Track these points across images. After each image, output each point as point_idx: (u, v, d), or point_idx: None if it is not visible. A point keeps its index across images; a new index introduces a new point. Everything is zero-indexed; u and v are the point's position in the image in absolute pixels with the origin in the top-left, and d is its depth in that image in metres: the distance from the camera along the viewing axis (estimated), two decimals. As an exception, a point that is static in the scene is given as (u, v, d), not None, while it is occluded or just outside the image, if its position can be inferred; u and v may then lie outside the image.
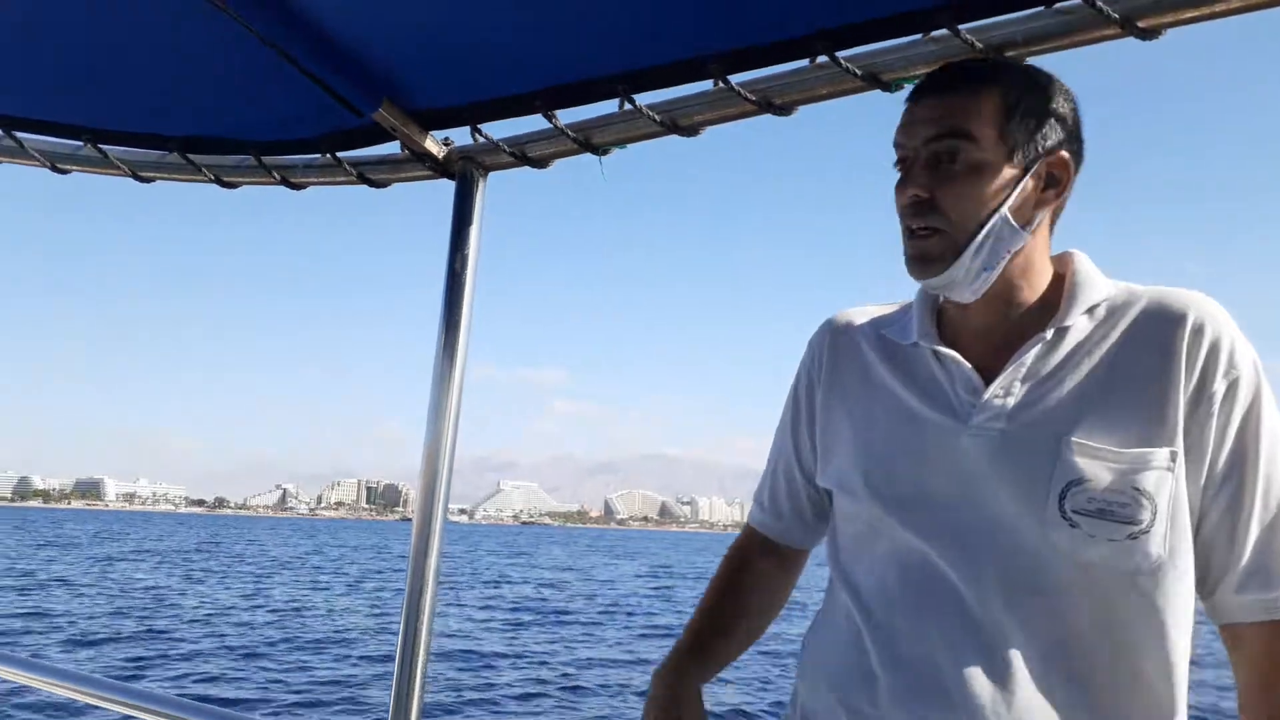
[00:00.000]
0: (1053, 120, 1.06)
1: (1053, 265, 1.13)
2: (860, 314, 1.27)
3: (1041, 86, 1.07)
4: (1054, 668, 1.02)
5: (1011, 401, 1.06)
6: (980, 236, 1.04)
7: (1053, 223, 1.12)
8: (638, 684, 13.26)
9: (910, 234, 1.08)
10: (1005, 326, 1.11)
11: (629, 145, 1.53)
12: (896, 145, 1.09)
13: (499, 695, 12.31)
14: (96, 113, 1.75)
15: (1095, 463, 1.00)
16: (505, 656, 15.51)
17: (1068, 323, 1.07)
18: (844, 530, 1.21)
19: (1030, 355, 1.07)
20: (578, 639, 18.31)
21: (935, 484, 1.08)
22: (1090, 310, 1.08)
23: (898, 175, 1.09)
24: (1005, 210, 1.04)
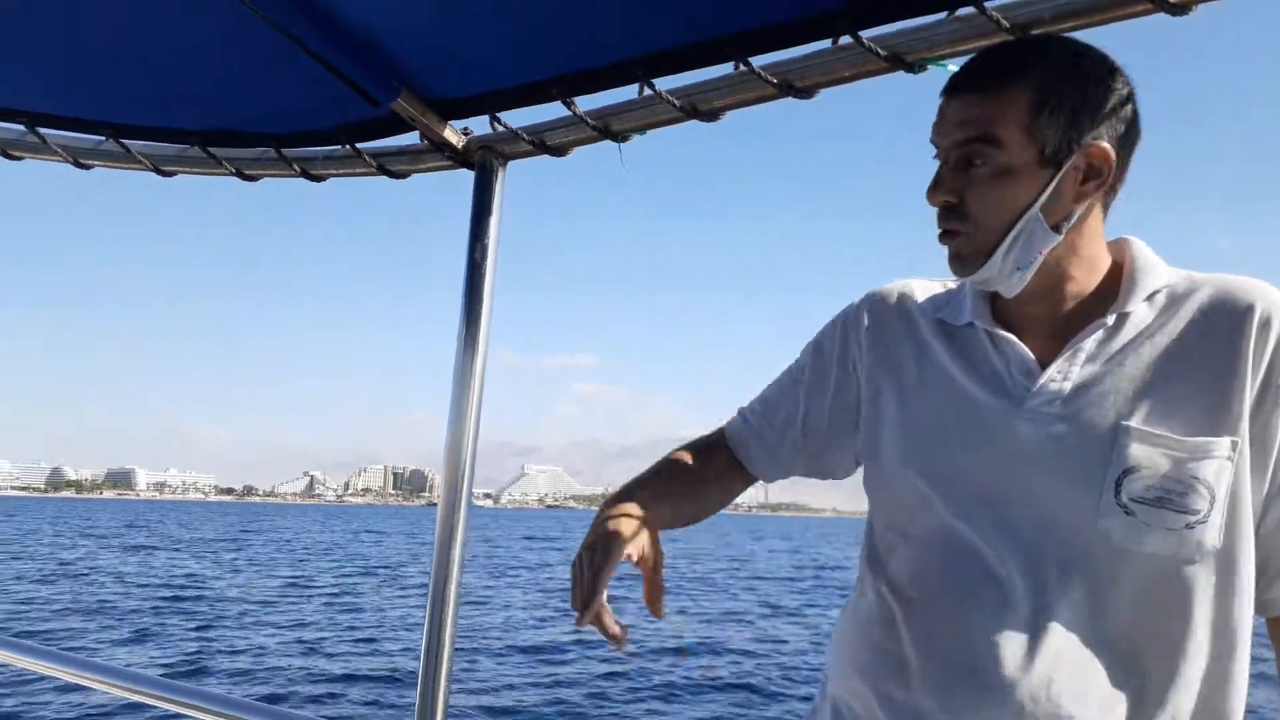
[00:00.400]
0: (1091, 109, 1.02)
1: (1110, 252, 1.11)
2: (913, 288, 1.24)
3: (1080, 72, 1.02)
4: (1098, 658, 1.00)
5: (1068, 386, 1.04)
6: (1009, 239, 1.03)
7: (1106, 208, 1.08)
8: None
9: (943, 233, 1.07)
10: (1061, 315, 1.09)
11: (649, 131, 1.51)
12: (932, 142, 1.08)
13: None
14: (118, 108, 1.76)
15: (1154, 450, 0.98)
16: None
17: (1128, 309, 1.05)
18: (881, 511, 1.18)
19: (1089, 341, 1.05)
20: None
21: (983, 466, 1.06)
22: (1150, 297, 1.06)
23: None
24: (1035, 211, 1.02)
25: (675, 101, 1.41)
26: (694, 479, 1.31)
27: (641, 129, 1.50)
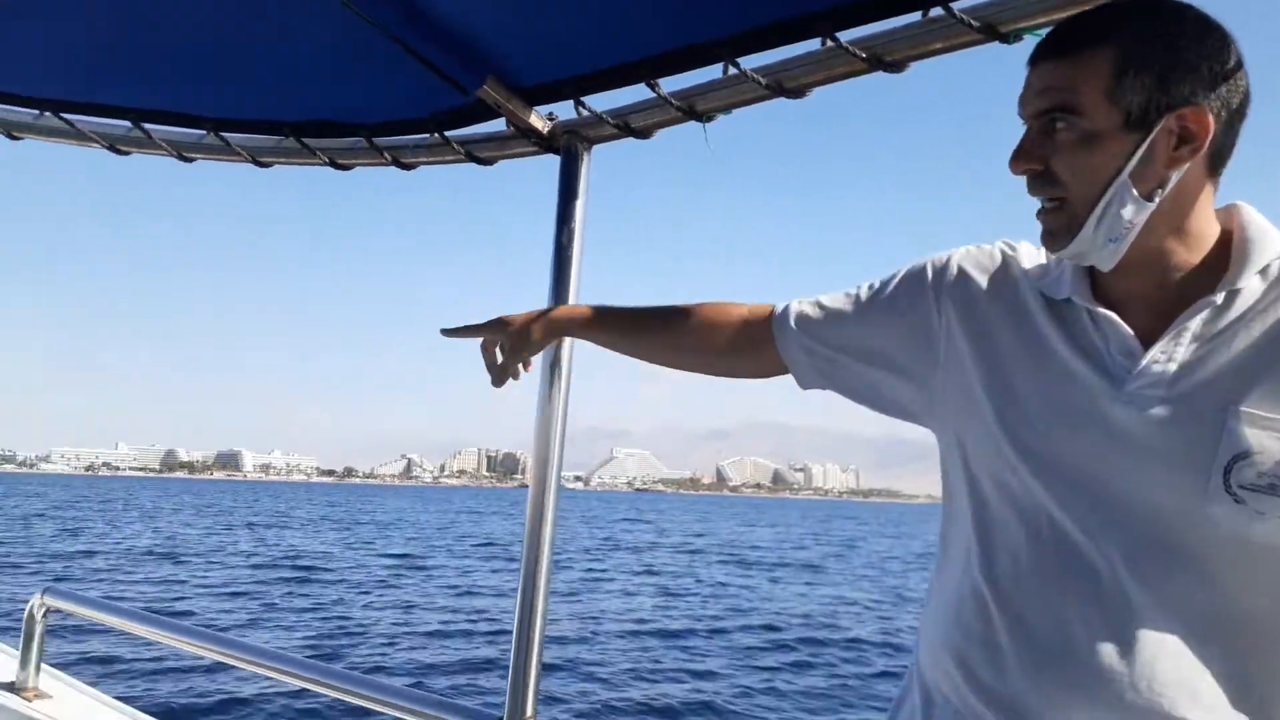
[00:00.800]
0: (1183, 71, 0.96)
1: (1219, 220, 1.04)
2: (1019, 252, 1.18)
3: (1171, 33, 0.97)
4: (1198, 649, 0.95)
5: (1172, 368, 0.98)
6: (1099, 209, 0.98)
7: (1214, 177, 1.02)
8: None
9: (1039, 211, 1.03)
10: (1165, 291, 1.03)
11: (734, 111, 1.49)
12: (1018, 114, 1.04)
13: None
14: (217, 103, 1.82)
15: (1265, 435, 0.93)
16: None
17: (1238, 285, 0.99)
18: (965, 489, 1.14)
19: (1196, 320, 0.99)
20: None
21: (1079, 448, 1.02)
22: (1263, 270, 0.99)
23: None
24: (1123, 178, 0.97)
25: (761, 80, 1.39)
26: (707, 334, 1.35)
27: (726, 108, 1.49)
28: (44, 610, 2.59)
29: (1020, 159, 1.01)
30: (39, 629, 2.62)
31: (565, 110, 1.67)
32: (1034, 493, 1.04)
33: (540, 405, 1.69)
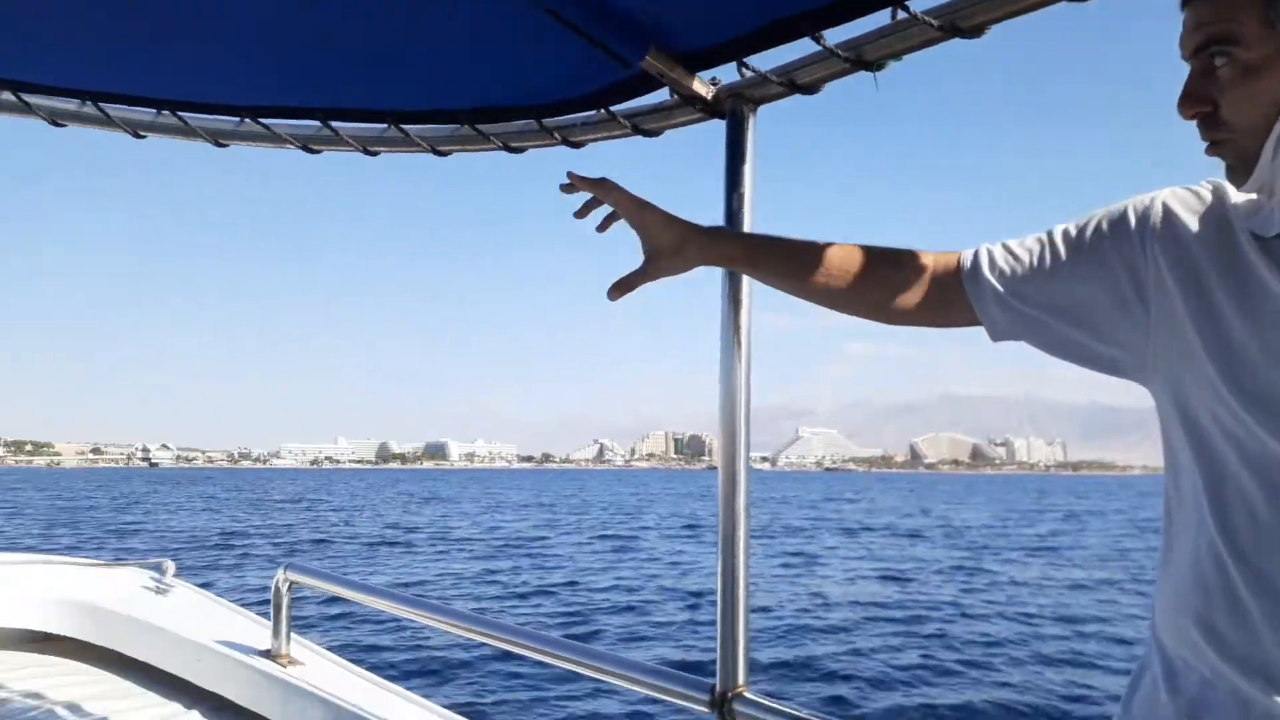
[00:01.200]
0: None
1: None
2: (1226, 190, 1.10)
3: None
4: None
5: None
6: (1273, 139, 0.95)
7: None
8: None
9: (1209, 148, 1.02)
10: None
11: (905, 57, 1.41)
12: (1181, 58, 1.01)
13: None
14: (397, 96, 1.90)
15: None
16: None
17: None
18: (1188, 447, 1.06)
19: None
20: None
21: None
22: None
23: None
24: None
25: (934, 22, 1.32)
26: (891, 280, 1.29)
27: (897, 55, 1.42)
28: (288, 584, 2.82)
29: (1187, 103, 1.00)
30: (285, 600, 2.86)
31: (728, 74, 1.64)
32: (1265, 443, 0.97)
33: (723, 383, 1.68)
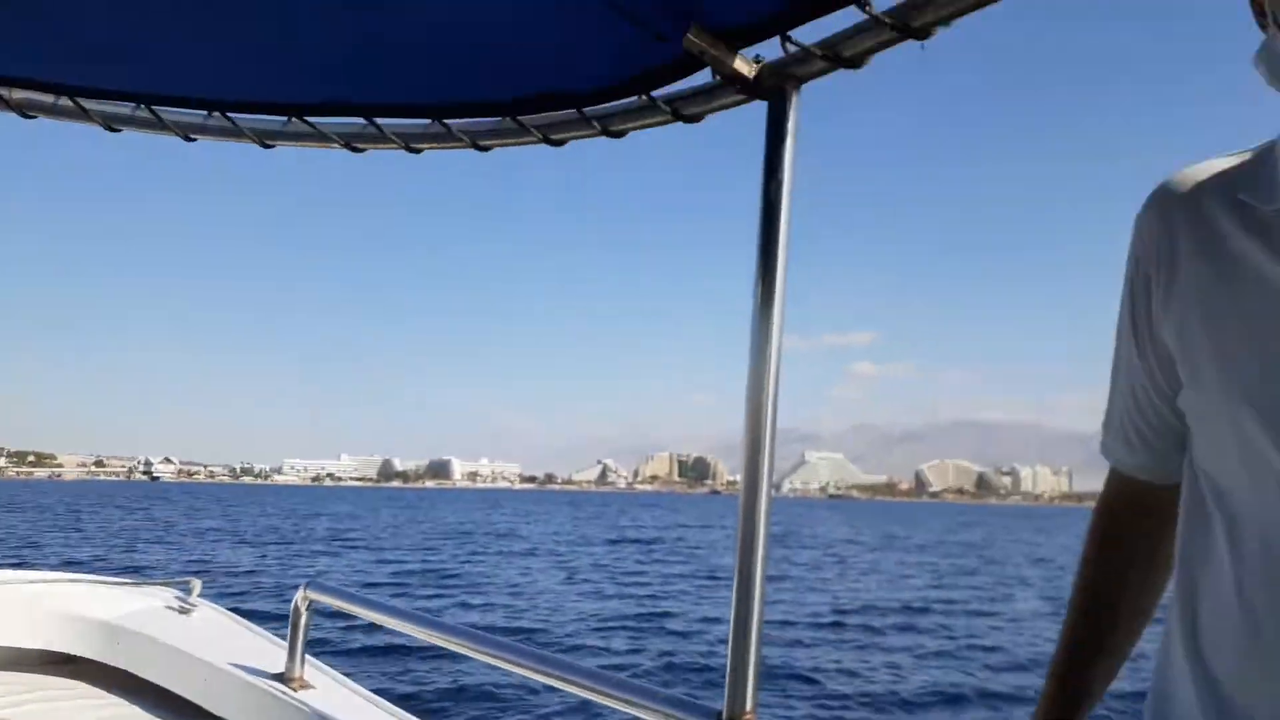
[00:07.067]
0: None
1: None
2: (1204, 171, 0.99)
3: None
4: None
5: None
6: None
7: None
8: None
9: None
10: None
11: (954, 22, 1.42)
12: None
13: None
14: (440, 89, 1.92)
15: None
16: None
17: None
18: (1211, 470, 0.95)
19: None
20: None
21: None
22: None
23: None
24: None
25: (980, -23, 1.32)
26: (1121, 588, 1.13)
27: (946, 20, 1.38)
28: (308, 603, 2.75)
29: None
30: (304, 621, 2.79)
31: (771, 50, 1.64)
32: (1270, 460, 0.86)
33: (752, 368, 1.63)
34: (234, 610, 3.60)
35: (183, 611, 3.42)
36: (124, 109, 2.06)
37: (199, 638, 3.16)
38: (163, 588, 3.70)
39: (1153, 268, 1.00)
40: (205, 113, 2.04)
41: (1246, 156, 0.96)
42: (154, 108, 2.03)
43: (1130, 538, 1.13)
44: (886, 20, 1.43)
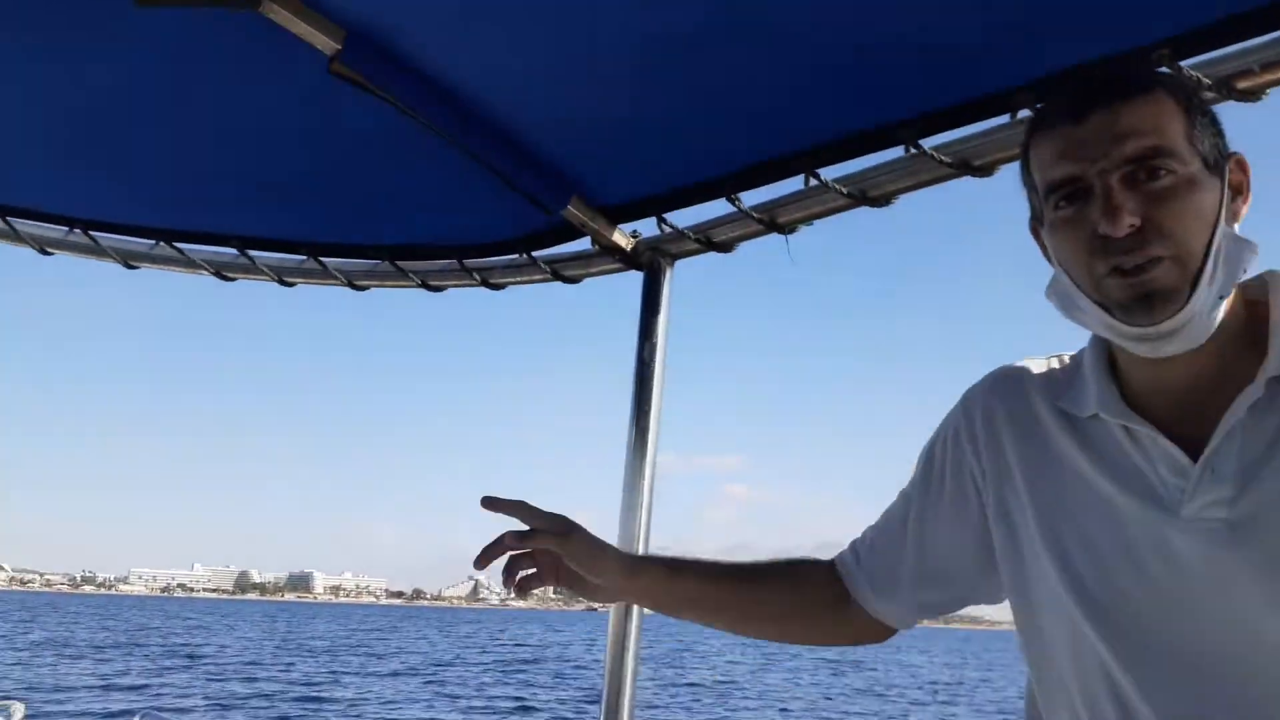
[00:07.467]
0: (1214, 117, 0.89)
1: (1239, 292, 0.88)
2: (1029, 370, 1.04)
3: (1194, 87, 0.97)
4: None
5: (1230, 483, 0.84)
6: (1210, 261, 0.82)
7: None
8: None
9: (1123, 273, 0.84)
10: (1199, 379, 0.88)
11: (815, 222, 1.51)
12: (1061, 180, 0.87)
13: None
14: (317, 228, 1.90)
15: None
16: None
17: None
18: (1039, 658, 1.00)
19: (1241, 417, 0.84)
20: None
21: (1140, 596, 0.88)
22: None
23: (1058, 213, 0.88)
24: (1224, 226, 0.84)
25: (843, 190, 1.40)
26: (774, 594, 1.21)
27: (809, 219, 1.49)
28: None
29: (1120, 216, 0.82)
30: None
31: (648, 227, 1.70)
32: (1105, 657, 0.90)
33: (623, 522, 1.66)
34: None
35: None
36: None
37: None
38: None
39: (976, 451, 1.05)
40: (66, 229, 1.96)
41: (1065, 363, 1.03)
42: (9, 219, 1.94)
43: (810, 589, 1.20)
44: (754, 215, 1.52)
